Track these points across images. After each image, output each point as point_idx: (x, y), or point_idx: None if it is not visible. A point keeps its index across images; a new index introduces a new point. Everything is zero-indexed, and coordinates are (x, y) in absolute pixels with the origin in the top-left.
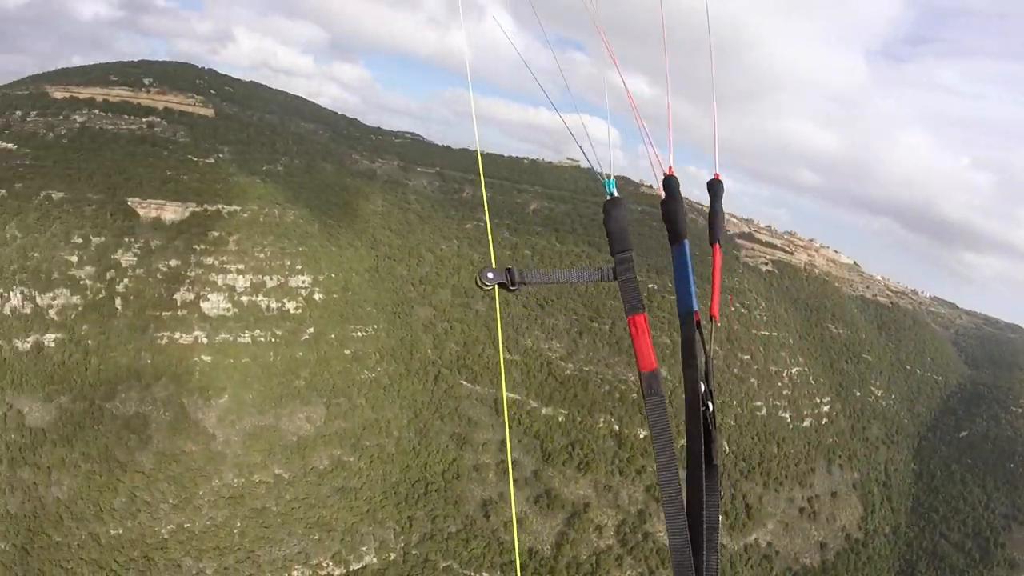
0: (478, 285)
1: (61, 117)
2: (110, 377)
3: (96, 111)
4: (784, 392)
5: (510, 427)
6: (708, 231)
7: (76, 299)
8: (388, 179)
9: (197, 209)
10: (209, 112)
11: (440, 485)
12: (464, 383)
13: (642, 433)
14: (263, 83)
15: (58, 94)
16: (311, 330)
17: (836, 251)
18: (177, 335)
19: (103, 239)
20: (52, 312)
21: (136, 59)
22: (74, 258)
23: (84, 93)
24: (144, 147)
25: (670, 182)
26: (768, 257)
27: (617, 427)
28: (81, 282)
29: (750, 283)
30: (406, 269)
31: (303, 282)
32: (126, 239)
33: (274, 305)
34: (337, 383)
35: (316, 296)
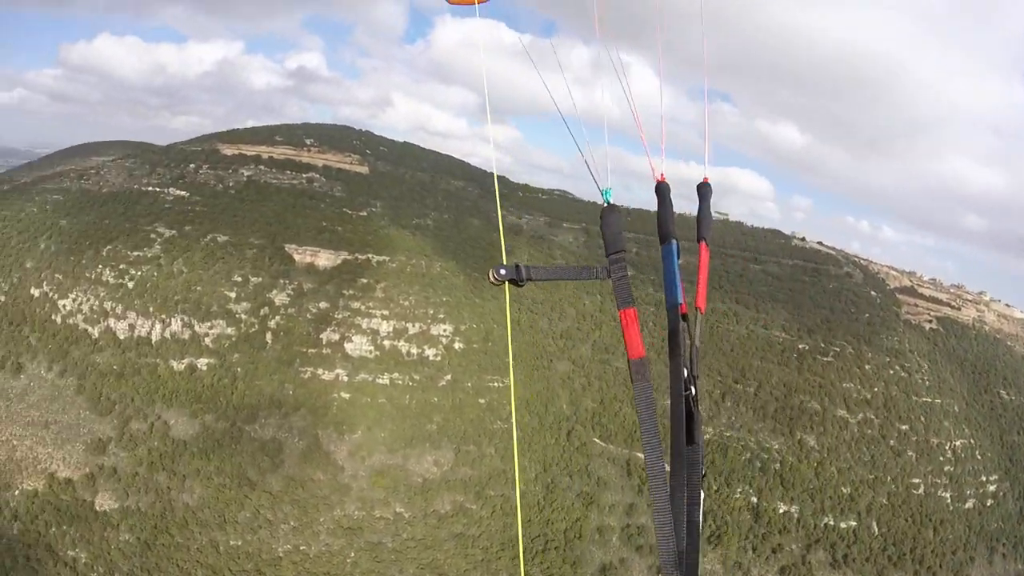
0: (491, 281)
1: (230, 171)
2: (253, 403)
3: (262, 167)
4: (946, 468)
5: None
6: (696, 229)
7: (231, 330)
8: (534, 234)
9: (348, 257)
10: (364, 169)
11: (560, 544)
12: (597, 441)
13: (782, 508)
14: (419, 144)
15: (228, 151)
16: (448, 377)
17: (1008, 305)
18: (320, 371)
19: (260, 279)
20: (208, 340)
21: (301, 122)
22: (232, 294)
23: (252, 151)
24: (303, 200)
25: (660, 188)
26: (932, 314)
27: (755, 499)
28: (236, 316)
29: (912, 343)
30: (547, 323)
31: (444, 331)
32: (281, 281)
33: (414, 351)
34: (468, 430)
35: (456, 345)
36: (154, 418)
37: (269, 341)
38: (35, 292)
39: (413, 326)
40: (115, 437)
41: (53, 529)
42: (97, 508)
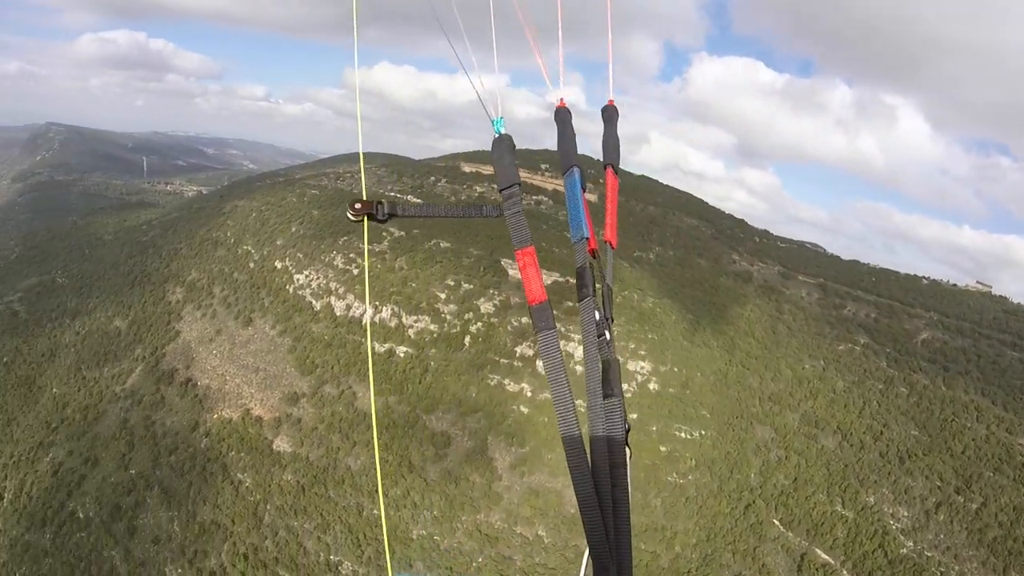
0: (349, 217)
1: (465, 186)
2: (436, 395)
3: (494, 185)
4: None
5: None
6: (602, 155)
7: (434, 327)
8: (764, 284)
9: (560, 279)
10: (592, 198)
11: None
12: (776, 523)
13: None
14: (673, 184)
15: (467, 168)
16: (634, 416)
17: None
18: (507, 381)
19: (471, 286)
20: (411, 331)
21: (540, 148)
22: (443, 295)
23: (488, 171)
24: (527, 220)
25: (560, 114)
26: None
27: None
28: (442, 315)
29: None
30: (758, 381)
31: (642, 368)
32: (490, 291)
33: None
34: (639, 476)
35: (651, 385)
36: (345, 387)
37: (467, 344)
38: (278, 264)
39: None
40: (308, 394)
41: (232, 453)
42: (274, 448)
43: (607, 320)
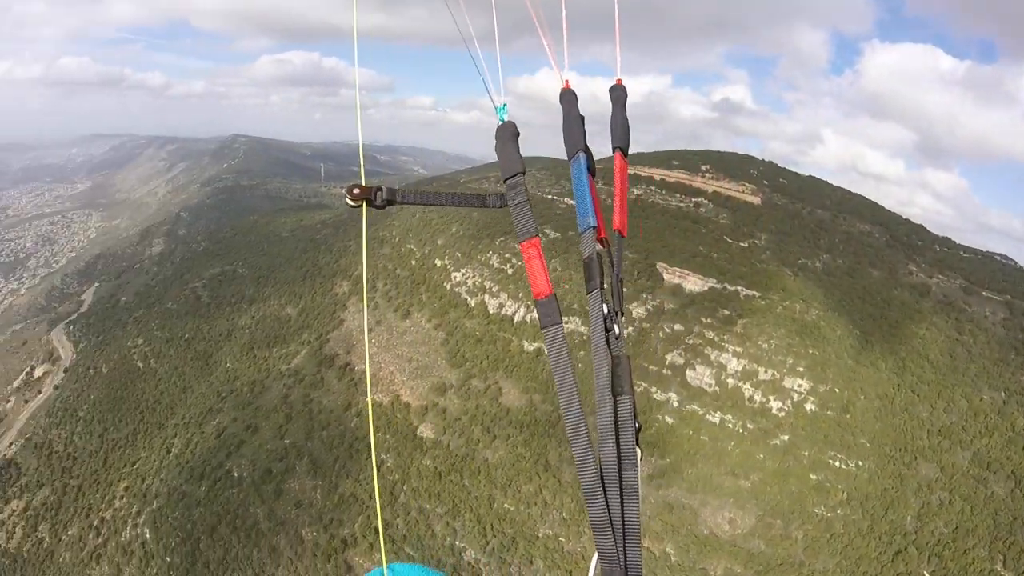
0: (347, 202)
1: None
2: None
3: (652, 187)
4: None
5: None
6: (611, 137)
7: (583, 329)
8: (943, 299)
9: (716, 286)
10: (755, 200)
11: None
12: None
13: None
14: (849, 187)
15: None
16: (785, 438)
17: None
18: (654, 389)
19: (624, 289)
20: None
21: (701, 149)
22: None
23: (647, 172)
24: (685, 222)
25: (565, 96)
26: None
27: None
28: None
29: None
30: (928, 411)
31: (799, 386)
32: (644, 295)
33: (758, 398)
34: (783, 503)
35: (807, 405)
36: (492, 382)
37: None
38: (438, 262)
39: (765, 371)
40: (456, 386)
41: (379, 434)
42: (418, 433)
43: (616, 314)
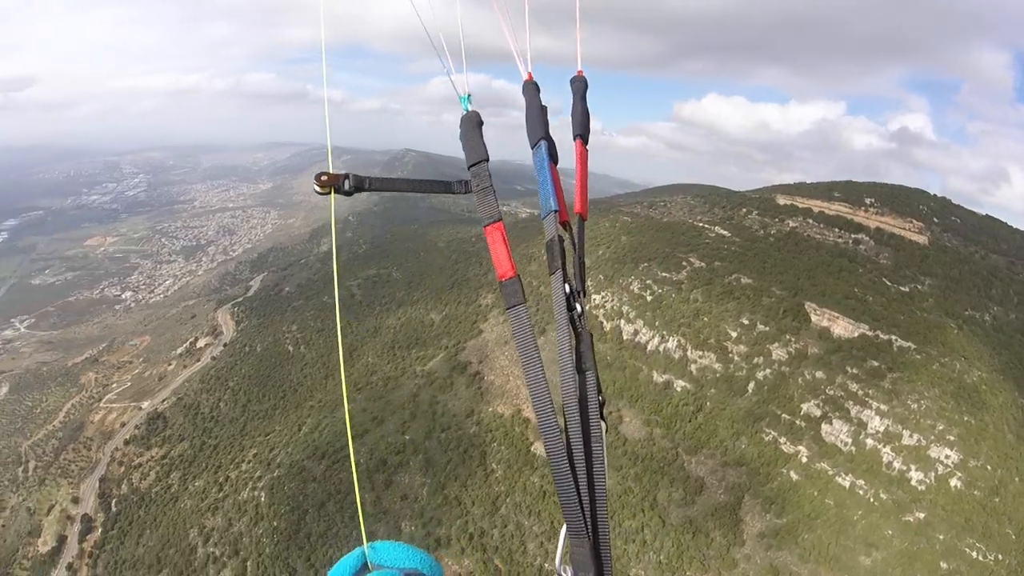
0: (315, 188)
1: (777, 219)
2: (701, 438)
3: (810, 220)
4: None
5: None
6: (572, 126)
7: (718, 366)
8: None
9: (868, 333)
10: (922, 239)
11: None
12: None
13: None
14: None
15: (783, 201)
16: (920, 515)
17: None
18: (783, 440)
19: (767, 329)
20: (693, 367)
21: (883, 183)
22: (734, 334)
23: (805, 203)
24: (841, 260)
25: (527, 87)
26: None
27: None
28: (729, 355)
29: None
30: None
31: (946, 457)
32: (787, 336)
33: (898, 465)
34: None
35: (953, 482)
36: (614, 409)
37: (750, 390)
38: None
39: (910, 436)
40: None
41: (495, 444)
42: (532, 449)
43: (579, 293)
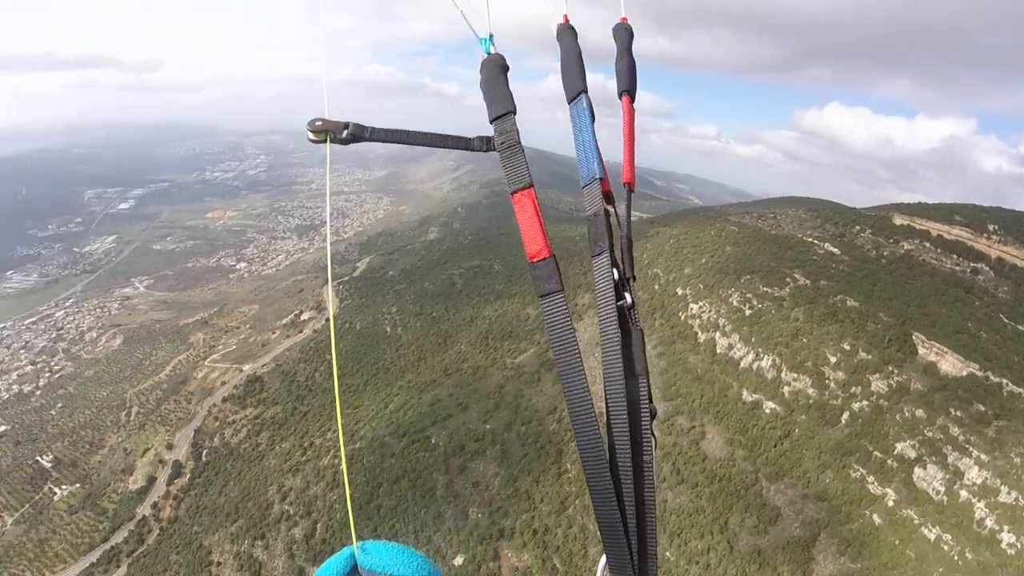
0: (308, 136)
1: (891, 240)
2: (786, 466)
3: (927, 244)
4: None
5: None
6: (616, 80)
7: (812, 391)
8: None
9: (978, 373)
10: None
11: None
12: None
13: None
14: None
15: (899, 221)
16: None
17: None
18: (871, 479)
19: (868, 357)
20: (786, 389)
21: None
22: (833, 359)
23: (923, 225)
24: (956, 290)
25: (563, 33)
26: None
27: None
28: (826, 381)
29: None
30: None
31: None
32: (890, 368)
33: (990, 523)
34: None
35: None
36: (698, 424)
37: (843, 421)
38: (679, 291)
39: (1008, 493)
40: (660, 419)
41: (572, 444)
42: None
43: (628, 280)
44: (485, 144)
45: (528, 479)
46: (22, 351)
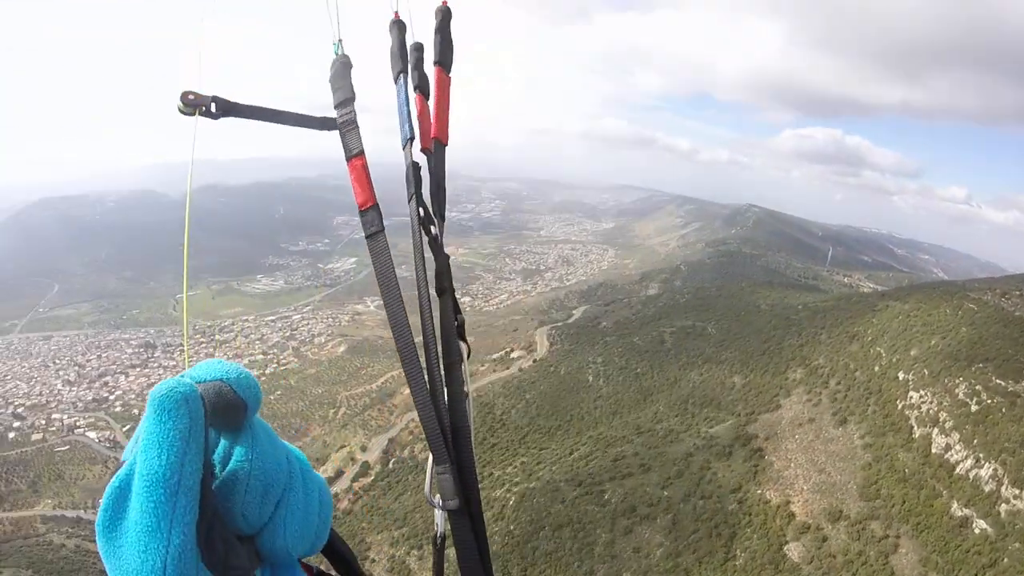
0: (179, 108)
1: None
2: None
3: None
4: None
5: None
6: (434, 53)
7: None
8: None
9: None
10: None
11: None
12: None
13: None
14: None
15: None
16: None
17: None
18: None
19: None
20: (1003, 508)
21: None
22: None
23: None
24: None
25: (393, 26)
26: None
27: None
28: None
29: None
30: None
31: None
32: None
33: None
34: None
35: None
36: (892, 534)
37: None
38: (901, 375)
39: None
40: (851, 521)
41: (748, 529)
42: (783, 549)
43: (436, 217)
44: (329, 124)
45: (691, 556)
46: (258, 342)
